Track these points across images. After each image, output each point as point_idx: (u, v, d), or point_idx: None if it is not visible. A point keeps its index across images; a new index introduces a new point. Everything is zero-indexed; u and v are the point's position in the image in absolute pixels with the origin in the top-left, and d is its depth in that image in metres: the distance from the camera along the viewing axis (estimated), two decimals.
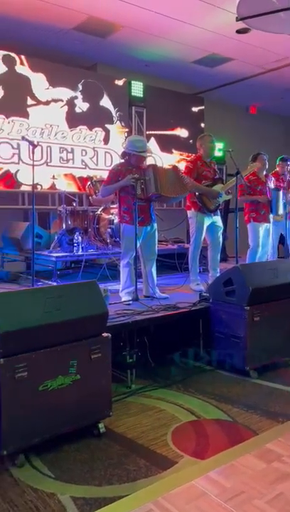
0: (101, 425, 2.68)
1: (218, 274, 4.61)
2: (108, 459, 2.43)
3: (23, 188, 6.41)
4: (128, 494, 2.11)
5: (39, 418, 2.43)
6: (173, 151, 8.09)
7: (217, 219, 4.92)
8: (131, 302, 4.03)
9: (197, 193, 4.68)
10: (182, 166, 5.14)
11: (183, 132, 8.22)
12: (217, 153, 6.77)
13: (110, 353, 2.76)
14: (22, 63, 6.30)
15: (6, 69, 6.17)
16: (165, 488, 2.13)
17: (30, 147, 3.96)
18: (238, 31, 6.05)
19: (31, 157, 4.11)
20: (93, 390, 2.65)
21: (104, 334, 2.76)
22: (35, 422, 2.41)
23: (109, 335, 2.77)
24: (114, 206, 5.40)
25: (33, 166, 3.96)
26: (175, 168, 4.53)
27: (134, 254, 4.11)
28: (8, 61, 6.18)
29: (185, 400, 3.18)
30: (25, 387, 2.39)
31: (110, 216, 5.43)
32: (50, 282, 4.95)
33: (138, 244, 4.10)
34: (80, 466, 2.36)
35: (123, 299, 4.13)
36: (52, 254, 5.21)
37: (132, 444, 2.58)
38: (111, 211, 5.47)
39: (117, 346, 3.28)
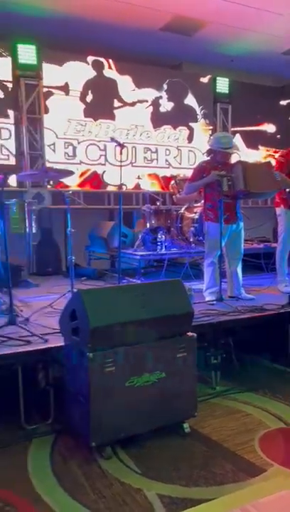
0: (186, 425, 2.66)
1: None
2: (193, 459, 2.41)
3: (109, 188, 6.61)
4: (214, 498, 2.07)
5: (125, 413, 2.47)
6: (260, 147, 7.83)
7: None
8: (215, 302, 3.96)
9: (288, 190, 4.47)
10: (272, 162, 4.93)
11: (269, 127, 7.92)
12: None
13: (195, 353, 2.73)
14: (110, 67, 6.50)
15: (95, 73, 6.41)
16: (254, 495, 2.05)
17: (118, 148, 4.04)
18: None
19: (118, 158, 4.20)
20: (178, 389, 2.63)
21: (189, 333, 2.73)
22: (122, 416, 2.46)
23: (195, 334, 2.74)
24: (198, 205, 5.35)
25: (121, 166, 4.04)
26: (267, 163, 4.37)
27: (219, 253, 4.03)
28: (97, 66, 6.41)
29: (272, 405, 3.05)
30: (112, 382, 2.44)
31: (193, 215, 5.39)
32: (134, 280, 5.04)
33: (223, 243, 4.01)
34: (166, 465, 2.36)
35: (207, 299, 4.07)
36: (136, 253, 5.31)
37: (218, 447, 2.53)
38: (195, 210, 5.43)
39: (202, 346, 3.24)
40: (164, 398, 2.58)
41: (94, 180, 6.53)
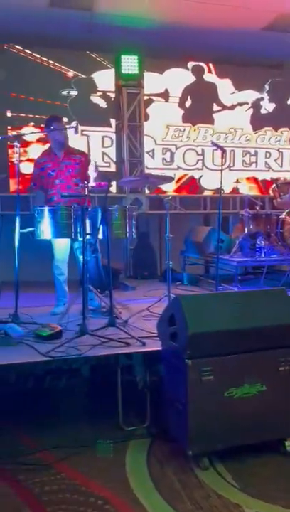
0: (288, 443, 2.50)
1: None
2: None
3: (206, 193, 6.56)
4: None
5: (223, 424, 2.40)
6: None
7: None
8: None
9: None
10: None
11: None
12: None
13: None
14: (210, 71, 6.47)
15: (195, 79, 6.42)
16: None
17: (217, 152, 3.99)
18: None
19: (217, 162, 4.15)
20: (279, 404, 2.50)
21: None
22: (220, 427, 2.39)
23: None
24: None
25: (221, 170, 3.99)
26: None
27: None
28: (197, 71, 6.42)
29: None
30: (210, 391, 2.39)
31: None
32: (230, 287, 4.92)
33: None
34: (266, 482, 2.24)
35: None
36: (233, 259, 5.18)
37: None
38: None
39: None
40: (265, 412, 2.47)
41: (191, 185, 6.53)
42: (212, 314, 2.47)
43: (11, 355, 2.80)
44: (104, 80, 6.13)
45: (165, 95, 6.36)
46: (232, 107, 6.61)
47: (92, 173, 3.99)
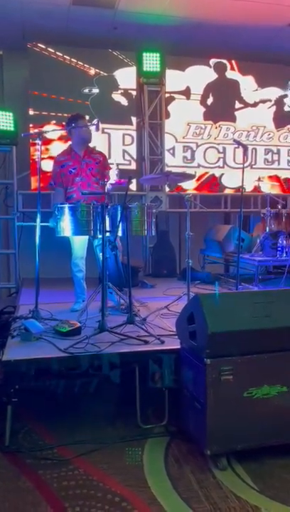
0: None
1: None
2: None
3: (227, 191, 6.49)
4: None
5: (243, 425, 2.37)
6: None
7: None
8: None
9: None
10: None
11: None
12: None
13: None
14: (232, 68, 6.40)
15: (217, 76, 6.36)
16: None
17: (241, 150, 3.95)
18: None
19: (238, 160, 4.10)
20: None
21: None
22: (239, 428, 2.37)
23: None
24: None
25: (243, 169, 3.93)
26: None
27: None
28: (219, 68, 6.35)
29: None
30: (229, 391, 2.36)
31: None
32: (251, 287, 4.87)
33: None
34: (286, 485, 2.21)
35: None
36: (254, 258, 5.12)
37: None
38: None
39: None
40: (285, 414, 2.43)
41: (212, 183, 6.48)
42: (232, 313, 2.44)
43: (30, 351, 2.83)
44: (126, 77, 6.12)
45: (186, 93, 6.31)
46: (255, 105, 6.52)
47: (113, 172, 4.00)
